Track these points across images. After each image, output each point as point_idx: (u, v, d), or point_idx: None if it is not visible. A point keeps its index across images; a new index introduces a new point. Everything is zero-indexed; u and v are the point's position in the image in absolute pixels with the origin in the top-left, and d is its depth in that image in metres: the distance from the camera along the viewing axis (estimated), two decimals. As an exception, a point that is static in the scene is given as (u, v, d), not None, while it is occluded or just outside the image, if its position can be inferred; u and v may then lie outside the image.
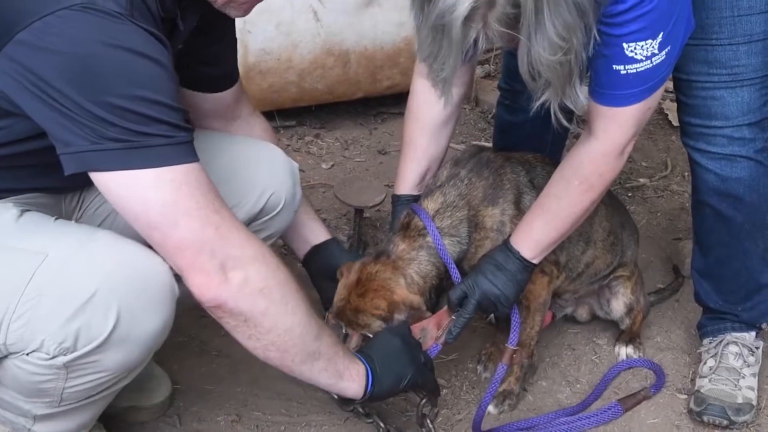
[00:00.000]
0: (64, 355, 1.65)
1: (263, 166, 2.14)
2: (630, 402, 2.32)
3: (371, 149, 3.57)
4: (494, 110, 3.27)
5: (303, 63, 3.42)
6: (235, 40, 2.18)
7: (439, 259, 2.12)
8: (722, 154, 2.13)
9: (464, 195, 2.17)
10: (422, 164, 2.27)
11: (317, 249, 2.35)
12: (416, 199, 2.23)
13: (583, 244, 2.34)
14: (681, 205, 3.23)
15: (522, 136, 2.58)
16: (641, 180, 3.43)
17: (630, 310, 2.48)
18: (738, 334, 2.37)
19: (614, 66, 1.82)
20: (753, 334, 2.38)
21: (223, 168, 2.00)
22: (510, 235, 2.09)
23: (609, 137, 1.92)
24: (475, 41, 1.70)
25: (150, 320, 1.71)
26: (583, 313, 2.60)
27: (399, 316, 2.08)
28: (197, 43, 1.97)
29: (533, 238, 2.06)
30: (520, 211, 2.18)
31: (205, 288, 1.66)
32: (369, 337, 2.08)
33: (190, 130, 1.64)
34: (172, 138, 1.58)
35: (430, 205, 2.16)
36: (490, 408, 2.30)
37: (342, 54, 3.48)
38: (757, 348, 2.38)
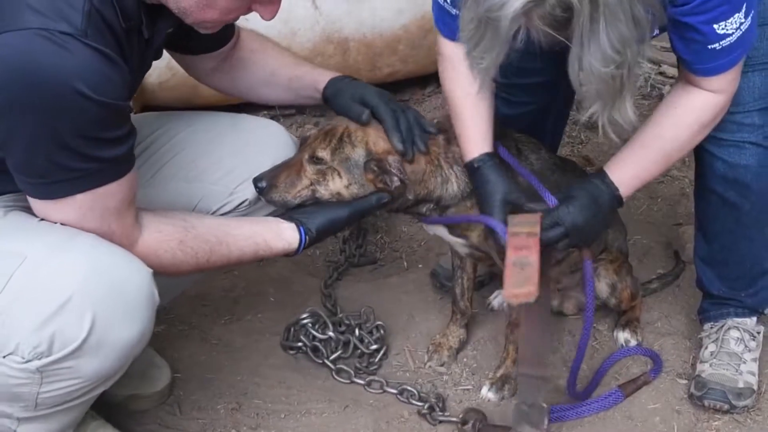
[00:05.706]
0: (39, 359, 1.64)
1: (271, 141, 2.25)
2: (630, 387, 2.32)
3: (371, 137, 3.55)
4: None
5: (302, 51, 3.40)
6: None
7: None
8: (731, 141, 2.12)
9: None
10: (491, 119, 2.16)
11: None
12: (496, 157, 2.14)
13: None
14: (681, 190, 3.22)
15: (520, 129, 2.56)
16: (642, 166, 3.41)
17: (613, 289, 2.47)
18: (739, 320, 2.36)
19: (710, 46, 1.87)
20: (754, 319, 2.38)
21: (234, 143, 2.22)
22: (604, 171, 2.09)
23: (726, 91, 1.99)
24: (515, 35, 1.68)
25: (126, 328, 1.70)
26: (569, 306, 2.60)
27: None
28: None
29: (639, 176, 2.09)
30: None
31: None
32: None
33: (112, 157, 1.67)
34: (85, 170, 1.63)
35: None
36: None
37: (341, 41, 3.47)
38: (758, 333, 2.37)
